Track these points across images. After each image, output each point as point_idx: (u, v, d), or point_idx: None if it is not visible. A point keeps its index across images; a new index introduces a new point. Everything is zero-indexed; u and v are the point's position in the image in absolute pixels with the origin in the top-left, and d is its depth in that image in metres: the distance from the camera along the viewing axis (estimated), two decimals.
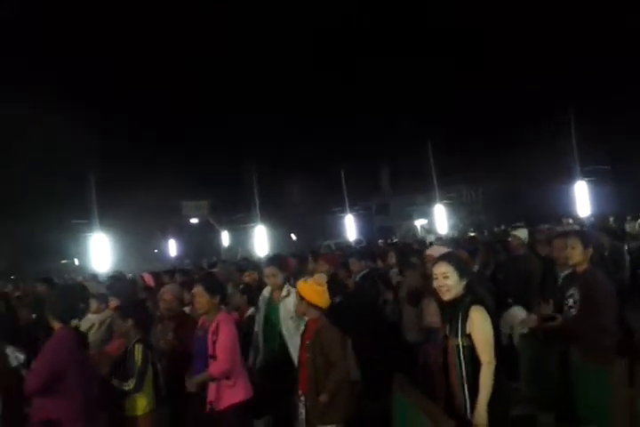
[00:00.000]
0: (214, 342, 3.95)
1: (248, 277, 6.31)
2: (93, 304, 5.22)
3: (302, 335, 4.14)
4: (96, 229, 18.54)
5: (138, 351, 4.00)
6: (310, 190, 28.20)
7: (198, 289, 4.08)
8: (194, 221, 28.50)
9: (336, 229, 26.37)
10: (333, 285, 5.96)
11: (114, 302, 5.21)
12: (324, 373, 3.87)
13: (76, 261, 26.13)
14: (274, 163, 25.77)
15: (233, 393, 3.99)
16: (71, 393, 3.51)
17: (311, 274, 6.13)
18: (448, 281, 3.16)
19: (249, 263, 10.48)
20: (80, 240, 20.43)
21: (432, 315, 4.94)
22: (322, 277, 4.18)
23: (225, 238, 27.36)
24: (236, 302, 5.40)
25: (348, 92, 32.37)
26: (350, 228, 24.02)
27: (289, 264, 5.71)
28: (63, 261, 28.02)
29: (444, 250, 5.17)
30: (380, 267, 7.67)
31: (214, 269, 9.70)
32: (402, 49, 35.43)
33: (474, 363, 3.02)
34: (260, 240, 22.59)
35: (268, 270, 4.90)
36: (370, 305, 5.93)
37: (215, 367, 3.92)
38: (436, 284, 3.22)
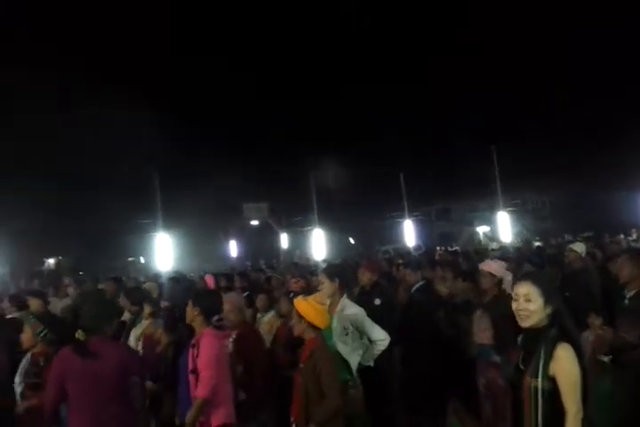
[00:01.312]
0: (196, 357, 3.82)
1: (296, 285, 6.24)
2: (147, 309, 5.33)
3: (300, 356, 3.93)
4: (160, 229, 19.14)
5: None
6: (370, 194, 28.06)
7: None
8: (254, 222, 28.90)
9: (395, 235, 26.08)
10: (375, 289, 5.88)
11: (148, 309, 5.28)
12: (316, 400, 3.61)
13: (142, 259, 27.05)
14: (333, 166, 25.76)
15: (213, 414, 3.77)
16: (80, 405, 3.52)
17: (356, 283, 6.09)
18: (530, 305, 2.72)
19: (298, 268, 10.48)
20: (145, 239, 21.13)
21: (483, 330, 4.77)
22: (322, 296, 4.07)
23: (284, 241, 27.58)
24: (285, 309, 5.36)
25: (412, 95, 31.93)
26: (409, 233, 23.68)
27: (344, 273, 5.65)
28: (130, 259, 29.07)
29: (498, 265, 5.00)
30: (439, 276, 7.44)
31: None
32: (466, 49, 34.61)
33: (555, 411, 2.58)
34: (318, 244, 22.64)
35: (318, 278, 4.83)
36: (424, 319, 5.78)
37: (200, 389, 3.72)
38: (514, 306, 2.79)
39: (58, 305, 7.85)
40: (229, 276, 8.41)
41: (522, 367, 2.74)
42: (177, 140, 23.06)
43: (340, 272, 4.85)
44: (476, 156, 23.83)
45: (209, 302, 4.05)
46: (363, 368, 4.43)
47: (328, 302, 4.60)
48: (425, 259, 10.94)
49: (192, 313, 3.98)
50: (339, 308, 4.51)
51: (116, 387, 3.58)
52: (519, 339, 2.86)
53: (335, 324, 4.42)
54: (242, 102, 26.39)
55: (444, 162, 32.49)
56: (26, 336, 4.12)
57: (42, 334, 4.12)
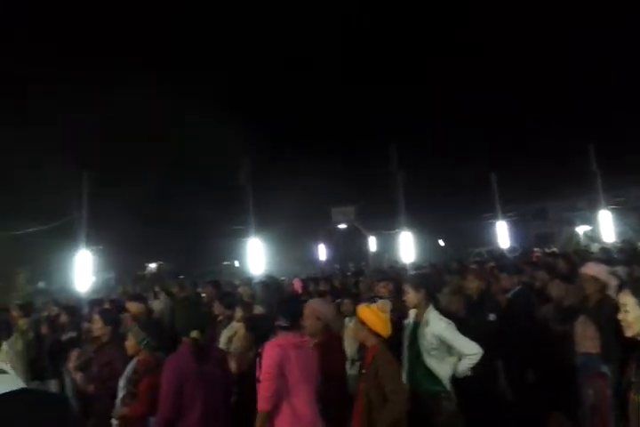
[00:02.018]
0: (260, 367, 3.73)
1: (384, 289, 6.13)
2: (239, 312, 5.46)
3: (361, 363, 3.87)
4: (252, 234, 19.78)
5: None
6: (460, 195, 27.33)
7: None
8: (342, 226, 29.02)
9: (487, 236, 25.23)
10: (486, 302, 5.66)
11: (240, 312, 5.38)
12: (378, 407, 3.54)
13: (236, 263, 27.95)
14: (420, 167, 25.33)
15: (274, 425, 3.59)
16: (190, 405, 3.61)
17: (459, 290, 5.88)
18: (628, 316, 2.68)
19: (392, 272, 10.36)
20: (239, 244, 21.85)
21: (588, 339, 4.46)
22: (386, 304, 3.97)
23: (372, 244, 27.47)
24: (346, 309, 5.28)
25: (507, 93, 30.80)
26: (503, 235, 22.80)
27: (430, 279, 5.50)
28: (225, 263, 30.14)
29: (600, 268, 4.67)
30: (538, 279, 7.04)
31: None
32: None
33: None
34: (406, 247, 22.33)
35: (404, 288, 4.71)
36: (523, 325, 5.50)
37: (259, 401, 3.56)
38: (619, 315, 2.75)
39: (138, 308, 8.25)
40: (317, 280, 8.48)
41: (632, 381, 2.56)
42: (264, 147, 23.65)
43: (426, 282, 4.69)
44: (573, 151, 22.59)
45: (287, 309, 4.00)
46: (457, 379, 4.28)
47: (413, 312, 4.54)
48: (521, 261, 10.46)
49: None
50: (424, 320, 4.37)
51: (224, 388, 3.76)
52: None
53: (420, 338, 4.32)
54: (328, 106, 26.61)
55: (540, 159, 31.01)
56: (130, 344, 4.28)
57: (144, 342, 4.26)
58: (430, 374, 4.18)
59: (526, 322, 5.50)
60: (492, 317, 5.30)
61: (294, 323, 3.88)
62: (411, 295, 4.48)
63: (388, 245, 26.80)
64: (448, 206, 27.94)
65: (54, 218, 17.23)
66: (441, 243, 29.98)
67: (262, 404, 3.53)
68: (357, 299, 5.74)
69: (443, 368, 4.19)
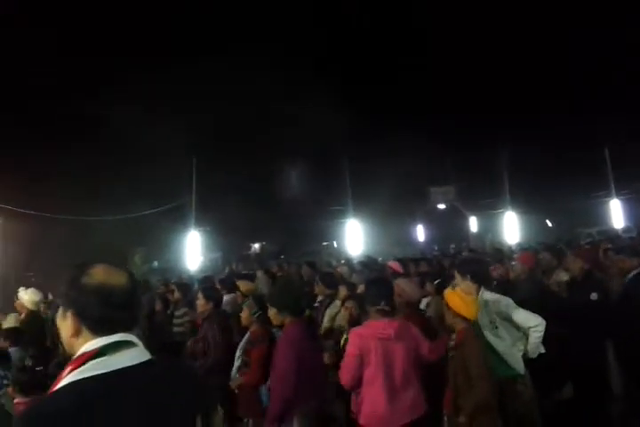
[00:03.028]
0: None
1: (494, 272, 5.98)
2: (342, 291, 5.61)
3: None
4: (351, 216, 20.07)
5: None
6: (569, 172, 25.81)
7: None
8: (441, 206, 28.51)
9: (599, 216, 23.74)
10: (589, 282, 5.44)
11: (344, 291, 5.50)
12: (464, 392, 3.50)
13: (335, 244, 28.37)
14: (525, 143, 24.16)
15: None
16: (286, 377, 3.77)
17: (565, 270, 5.67)
18: None
19: (498, 254, 10.07)
20: (338, 225, 22.20)
21: None
22: (469, 287, 3.88)
23: (473, 224, 26.78)
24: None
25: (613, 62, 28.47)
26: (617, 214, 21.37)
27: (529, 259, 5.35)
28: (324, 244, 30.68)
29: None
30: None
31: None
32: None
33: None
34: (511, 227, 21.56)
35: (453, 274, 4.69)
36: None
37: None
38: None
39: (248, 286, 8.62)
40: (418, 260, 8.45)
41: None
42: (362, 126, 23.55)
43: (475, 269, 4.65)
44: None
45: (375, 289, 4.16)
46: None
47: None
48: (638, 243, 9.79)
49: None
50: (480, 302, 4.31)
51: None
52: None
53: (481, 320, 4.26)
54: (428, 83, 25.93)
55: None
56: (244, 315, 4.58)
57: (257, 315, 4.52)
58: (501, 360, 4.14)
59: None
60: (593, 296, 5.07)
61: (383, 304, 3.99)
62: (458, 281, 4.50)
63: (490, 225, 26.01)
64: (556, 184, 26.47)
65: (167, 202, 18.42)
66: (548, 223, 28.57)
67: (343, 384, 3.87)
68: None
69: (512, 352, 4.15)
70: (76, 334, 1.58)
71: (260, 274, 8.71)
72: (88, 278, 1.59)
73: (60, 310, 1.62)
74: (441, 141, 23.67)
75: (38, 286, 11.37)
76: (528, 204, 24.04)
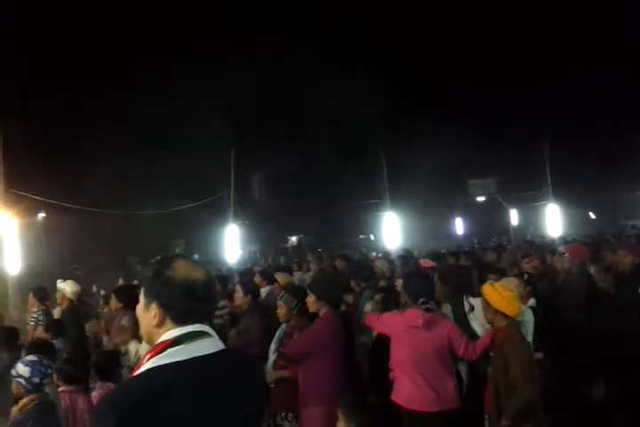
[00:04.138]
0: None
1: (528, 264, 5.81)
2: (381, 283, 5.58)
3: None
4: (387, 209, 19.93)
5: None
6: (612, 163, 25.00)
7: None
8: (480, 199, 28.04)
9: None
10: (637, 274, 5.25)
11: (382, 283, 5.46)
12: (506, 393, 3.38)
13: (372, 237, 28.28)
14: (568, 134, 23.49)
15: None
16: (325, 371, 3.98)
17: (611, 265, 5.50)
18: None
19: (533, 247, 9.85)
20: (375, 218, 22.09)
21: None
22: (511, 281, 3.74)
23: (514, 217, 26.27)
24: None
25: None
26: None
27: (579, 251, 5.20)
28: (361, 236, 30.62)
29: None
30: None
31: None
32: None
33: None
34: (553, 220, 21.05)
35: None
36: None
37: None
38: None
39: (302, 278, 8.66)
40: (458, 254, 8.33)
41: None
42: (399, 117, 23.27)
43: (452, 276, 4.90)
44: None
45: (414, 284, 4.18)
46: None
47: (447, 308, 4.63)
48: None
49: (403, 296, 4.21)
50: (467, 308, 4.52)
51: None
52: None
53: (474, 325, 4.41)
54: (467, 71, 25.42)
55: None
56: (281, 311, 4.53)
57: (296, 308, 4.49)
58: None
59: None
60: None
61: (423, 300, 4.01)
62: (437, 288, 4.60)
63: (531, 218, 25.48)
64: (599, 176, 25.71)
65: (206, 195, 18.65)
66: (591, 215, 27.79)
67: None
68: (503, 274, 5.55)
69: None
70: (160, 324, 1.67)
71: (312, 266, 8.78)
72: (173, 273, 1.68)
73: (142, 302, 1.71)
74: (481, 132, 23.23)
75: (83, 279, 11.70)
76: (570, 196, 23.41)
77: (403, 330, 3.97)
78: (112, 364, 4.33)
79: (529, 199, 24.84)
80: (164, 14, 19.62)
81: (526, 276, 5.23)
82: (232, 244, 18.28)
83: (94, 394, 4.00)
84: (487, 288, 3.77)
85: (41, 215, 18.88)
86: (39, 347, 4.02)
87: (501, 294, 3.65)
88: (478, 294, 4.59)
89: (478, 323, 4.37)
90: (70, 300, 6.46)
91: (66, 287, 6.50)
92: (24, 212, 13.59)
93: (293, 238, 31.28)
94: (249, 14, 21.43)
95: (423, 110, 22.36)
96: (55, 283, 6.88)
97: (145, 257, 16.33)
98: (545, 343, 4.28)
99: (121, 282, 10.86)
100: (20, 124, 13.40)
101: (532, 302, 4.62)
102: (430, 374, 3.86)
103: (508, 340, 3.54)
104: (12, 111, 12.72)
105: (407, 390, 3.92)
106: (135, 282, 9.85)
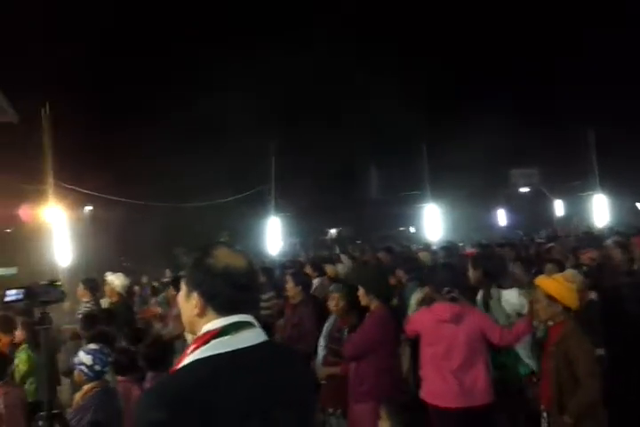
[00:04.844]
0: None
1: (585, 256, 5.63)
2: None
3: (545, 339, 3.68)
4: (428, 200, 19.71)
5: None
6: None
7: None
8: (523, 189, 27.44)
9: None
10: None
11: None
12: (570, 390, 3.26)
13: (412, 229, 28.05)
14: (614, 122, 22.69)
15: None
16: (376, 367, 3.95)
17: None
18: None
19: (588, 238, 9.56)
20: (414, 210, 21.90)
21: None
22: (572, 274, 3.58)
23: (558, 208, 25.63)
24: None
25: None
26: None
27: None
28: (400, 229, 30.42)
29: None
30: None
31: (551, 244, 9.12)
32: None
33: None
34: (600, 211, 20.44)
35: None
36: None
37: None
38: None
39: (334, 270, 8.61)
40: (503, 246, 8.17)
41: None
42: (440, 107, 22.98)
43: (484, 262, 4.83)
44: None
45: (437, 275, 4.23)
46: None
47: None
48: None
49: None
50: (494, 298, 4.47)
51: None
52: None
53: (498, 316, 4.33)
54: (507, 57, 24.84)
55: None
56: (332, 303, 4.50)
57: (346, 302, 4.44)
58: (518, 357, 4.20)
59: None
60: None
61: (447, 289, 3.96)
62: (470, 273, 4.63)
63: (576, 209, 24.81)
64: None
65: (248, 188, 18.86)
66: (638, 206, 26.87)
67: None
68: (560, 265, 5.36)
69: (525, 350, 4.19)
70: (201, 314, 1.63)
71: (343, 258, 8.72)
72: (213, 261, 1.63)
73: (184, 291, 1.67)
74: (523, 121, 22.69)
75: (130, 271, 11.95)
76: (617, 186, 22.65)
77: (431, 326, 3.93)
78: (162, 353, 4.38)
79: (574, 189, 24.19)
80: (208, 8, 19.79)
81: (584, 268, 5.04)
82: (274, 236, 18.43)
83: (147, 384, 4.06)
84: (545, 280, 3.62)
85: (88, 208, 19.41)
86: (99, 336, 4.11)
87: (564, 286, 3.53)
88: (506, 286, 4.64)
89: (497, 314, 4.37)
90: (119, 293, 6.53)
91: (115, 280, 6.54)
92: (72, 205, 13.96)
93: (332, 231, 31.30)
94: (293, 9, 21.45)
95: (464, 101, 21.99)
96: (103, 275, 6.95)
97: (190, 249, 16.56)
98: (606, 338, 4.13)
99: (168, 274, 11.04)
100: (69, 121, 13.75)
101: (593, 295, 4.45)
102: (460, 369, 3.81)
103: (571, 334, 3.41)
104: (62, 110, 13.05)
105: (435, 387, 3.88)
106: (182, 273, 10.02)
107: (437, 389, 3.85)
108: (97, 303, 6.60)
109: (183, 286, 1.68)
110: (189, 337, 4.43)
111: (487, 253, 7.04)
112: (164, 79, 18.15)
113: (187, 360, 1.56)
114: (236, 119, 17.00)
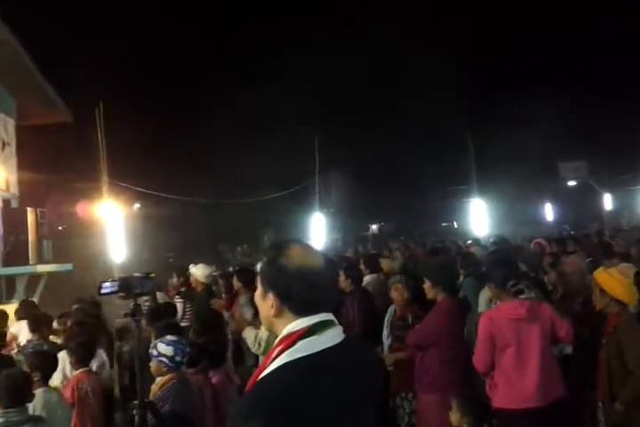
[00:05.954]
0: None
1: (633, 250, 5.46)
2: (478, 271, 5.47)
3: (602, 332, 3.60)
4: (474, 195, 19.42)
5: None
6: None
7: None
8: (571, 183, 26.74)
9: None
10: None
11: None
12: (620, 379, 3.29)
13: (455, 224, 27.73)
14: None
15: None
16: (443, 359, 3.96)
17: None
18: None
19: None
20: (458, 205, 21.64)
21: None
22: (628, 268, 3.49)
23: (607, 202, 24.89)
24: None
25: None
26: None
27: None
28: (443, 224, 30.11)
29: None
30: None
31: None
32: None
33: None
34: None
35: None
36: None
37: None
38: None
39: (390, 265, 8.58)
40: (564, 240, 8.01)
41: None
42: (487, 99, 22.59)
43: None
44: None
45: (498, 270, 4.02)
46: None
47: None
48: None
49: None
50: None
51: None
52: None
53: None
54: (554, 54, 24.27)
55: None
56: (396, 293, 4.58)
57: (411, 293, 4.49)
58: None
59: None
60: None
61: (511, 285, 3.80)
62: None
63: (627, 203, 24.05)
64: None
65: (293, 184, 19.00)
66: None
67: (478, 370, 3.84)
68: (625, 258, 5.23)
69: None
70: (278, 314, 1.59)
71: (398, 254, 8.74)
72: (287, 260, 1.58)
73: (260, 290, 1.64)
74: (572, 113, 22.08)
75: (176, 267, 12.17)
76: None
77: (503, 325, 3.70)
78: (222, 348, 4.48)
79: (624, 183, 23.48)
80: (257, 4, 19.91)
81: None
82: (317, 231, 18.52)
83: (213, 381, 4.13)
84: (601, 274, 3.61)
85: (136, 206, 19.87)
86: (169, 327, 4.19)
87: (619, 280, 3.50)
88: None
89: None
90: (204, 283, 6.63)
91: (197, 271, 6.66)
92: (124, 202, 14.31)
93: (374, 226, 31.22)
94: (337, 3, 21.44)
95: (512, 92, 21.57)
96: (151, 271, 7.07)
97: (235, 245, 16.81)
98: None
99: (214, 269, 11.16)
100: (120, 119, 14.10)
101: None
102: (537, 369, 3.63)
103: (624, 326, 3.43)
104: (113, 110, 13.39)
105: (512, 391, 3.66)
106: (230, 269, 10.14)
107: (517, 393, 3.63)
108: (153, 299, 6.69)
109: (259, 285, 1.65)
110: (251, 333, 4.43)
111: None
112: (211, 78, 18.45)
113: (275, 364, 1.51)
114: (280, 115, 17.14)
